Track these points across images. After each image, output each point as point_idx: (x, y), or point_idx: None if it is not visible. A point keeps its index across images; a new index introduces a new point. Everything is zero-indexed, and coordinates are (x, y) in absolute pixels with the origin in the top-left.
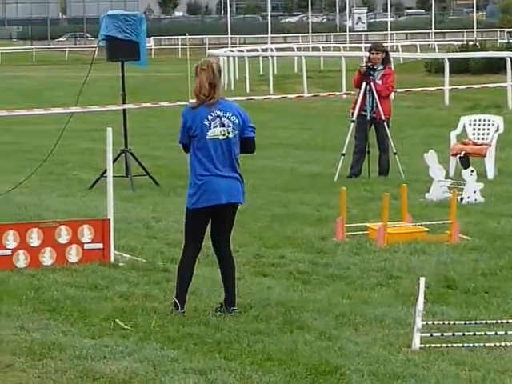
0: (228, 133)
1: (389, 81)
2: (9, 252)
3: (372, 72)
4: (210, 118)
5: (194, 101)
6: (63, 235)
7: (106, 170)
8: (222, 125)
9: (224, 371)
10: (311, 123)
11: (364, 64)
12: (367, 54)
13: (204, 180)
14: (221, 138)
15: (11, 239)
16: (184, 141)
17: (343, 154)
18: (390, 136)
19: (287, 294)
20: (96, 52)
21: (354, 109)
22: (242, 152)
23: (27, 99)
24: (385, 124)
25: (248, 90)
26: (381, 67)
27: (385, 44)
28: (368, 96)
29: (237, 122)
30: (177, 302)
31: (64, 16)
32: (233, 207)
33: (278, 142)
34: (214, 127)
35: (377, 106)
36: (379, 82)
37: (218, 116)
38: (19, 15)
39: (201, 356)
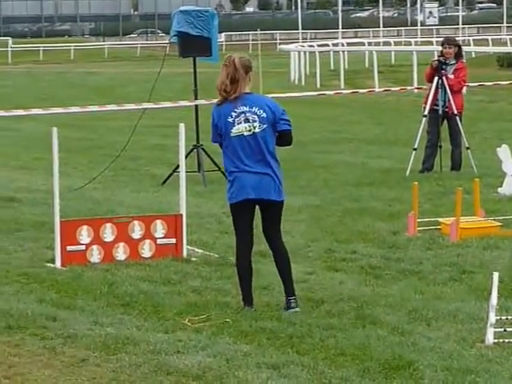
0: (254, 128)
1: (461, 75)
2: (83, 247)
3: (444, 66)
4: (233, 114)
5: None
6: (136, 230)
7: (178, 166)
8: (247, 120)
9: (297, 366)
10: (382, 118)
11: (436, 58)
12: (439, 48)
13: (234, 176)
14: (246, 133)
15: (85, 234)
16: (216, 139)
17: (415, 149)
18: (462, 130)
19: (359, 289)
20: (168, 48)
21: (425, 103)
22: (278, 145)
23: (100, 95)
24: (457, 118)
25: (319, 85)
26: (453, 61)
27: (457, 38)
28: (440, 90)
29: (264, 115)
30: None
31: (136, 12)
32: (270, 204)
33: (349, 136)
34: (238, 124)
35: (449, 100)
36: (451, 76)
37: (243, 112)
38: (91, 11)
39: (273, 350)
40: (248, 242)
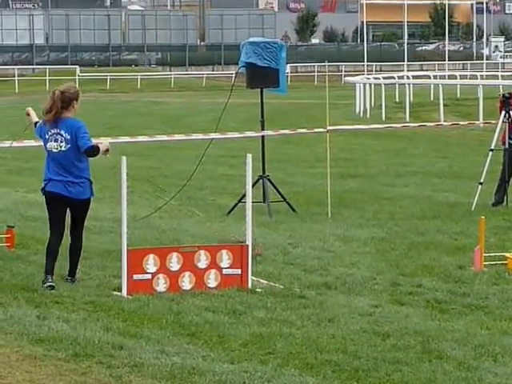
0: (60, 147)
1: None
2: (149, 276)
3: (511, 100)
4: (49, 133)
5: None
6: (202, 260)
7: (243, 196)
8: (56, 140)
9: None
10: (447, 151)
11: (502, 92)
12: (504, 82)
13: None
14: (54, 150)
15: (151, 263)
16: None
17: (481, 183)
18: None
19: (425, 323)
20: (234, 78)
21: (502, 137)
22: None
23: (166, 124)
24: None
25: (384, 118)
26: None
27: None
28: (507, 124)
29: (69, 137)
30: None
31: (202, 43)
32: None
33: (414, 169)
34: (50, 141)
35: None
36: None
37: (54, 133)
38: (158, 42)
39: (339, 383)
40: (60, 233)
